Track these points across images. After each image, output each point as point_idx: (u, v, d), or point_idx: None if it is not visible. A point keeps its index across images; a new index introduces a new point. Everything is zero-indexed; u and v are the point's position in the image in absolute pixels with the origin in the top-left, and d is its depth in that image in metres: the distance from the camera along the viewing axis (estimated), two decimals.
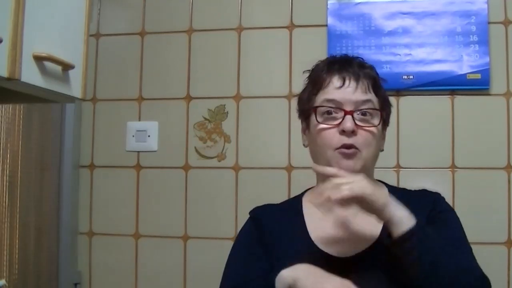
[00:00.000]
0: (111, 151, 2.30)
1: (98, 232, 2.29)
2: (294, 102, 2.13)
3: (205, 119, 2.23)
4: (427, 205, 1.39)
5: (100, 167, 2.31)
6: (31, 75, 1.18)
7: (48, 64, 1.24)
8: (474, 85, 2.04)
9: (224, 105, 2.22)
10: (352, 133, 1.32)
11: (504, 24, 2.05)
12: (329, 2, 2.16)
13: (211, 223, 2.20)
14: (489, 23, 2.05)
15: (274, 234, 1.41)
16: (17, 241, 1.87)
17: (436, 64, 2.07)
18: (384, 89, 1.44)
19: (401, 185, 1.89)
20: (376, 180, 1.49)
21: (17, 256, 1.87)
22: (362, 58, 1.47)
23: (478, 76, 2.03)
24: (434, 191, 1.46)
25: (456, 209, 1.47)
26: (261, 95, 2.20)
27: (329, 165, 1.34)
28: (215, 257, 2.17)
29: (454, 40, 2.07)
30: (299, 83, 2.16)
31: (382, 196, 1.22)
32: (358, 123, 1.34)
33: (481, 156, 2.03)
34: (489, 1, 2.06)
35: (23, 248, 1.91)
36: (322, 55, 2.13)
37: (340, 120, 1.34)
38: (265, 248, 1.40)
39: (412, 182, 1.74)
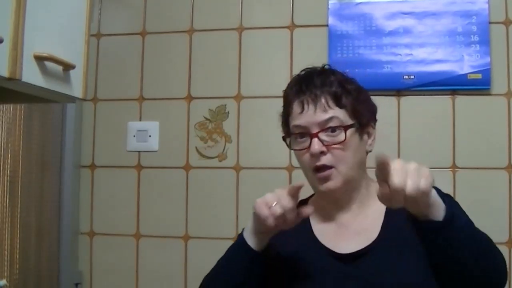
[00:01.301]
0: (112, 151, 2.30)
1: (99, 232, 2.29)
2: None
3: (206, 119, 2.23)
4: None
5: (101, 167, 2.31)
6: (32, 75, 1.18)
7: (49, 64, 1.24)
8: (475, 85, 2.04)
9: (225, 105, 2.22)
10: (322, 153, 1.36)
11: (505, 24, 2.05)
12: (330, 2, 2.16)
13: (212, 223, 2.20)
14: (490, 23, 2.05)
15: (280, 243, 1.41)
16: (18, 241, 1.87)
17: (437, 64, 2.07)
18: (355, 93, 1.42)
19: None
20: (371, 179, 1.46)
21: (18, 256, 1.87)
22: (327, 68, 1.50)
23: (479, 76, 2.03)
24: (445, 193, 1.40)
25: None
26: (262, 95, 2.20)
27: (314, 185, 1.43)
28: (216, 257, 2.16)
29: (455, 40, 2.07)
30: None
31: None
32: (326, 141, 1.36)
33: (482, 156, 2.03)
34: (490, 1, 2.05)
35: (24, 248, 1.91)
36: (323, 55, 2.14)
37: (309, 143, 1.37)
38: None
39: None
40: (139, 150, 2.28)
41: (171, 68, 2.28)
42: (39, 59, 1.20)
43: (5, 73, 1.09)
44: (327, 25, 2.16)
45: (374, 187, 1.42)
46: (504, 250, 1.98)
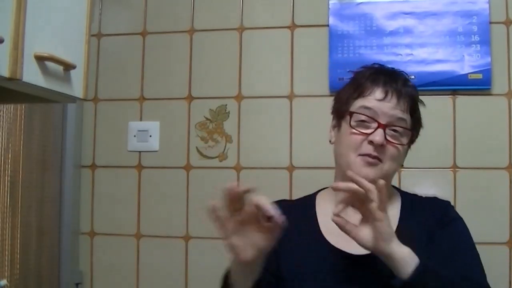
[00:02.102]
0: (112, 151, 2.30)
1: (100, 232, 2.29)
2: (296, 102, 2.16)
3: (207, 119, 2.23)
4: (437, 212, 1.42)
5: (102, 167, 2.31)
6: (32, 75, 1.18)
7: (49, 64, 1.24)
8: (476, 85, 2.04)
9: (226, 105, 2.22)
10: (380, 146, 1.35)
11: (505, 24, 2.05)
12: (330, 2, 2.16)
13: (212, 223, 2.19)
14: (490, 23, 2.05)
15: (285, 236, 1.34)
16: (18, 241, 1.87)
17: (437, 64, 2.07)
18: (419, 111, 1.48)
19: (403, 185, 1.89)
20: (391, 186, 1.50)
21: (18, 256, 1.87)
22: (406, 75, 1.50)
23: (480, 76, 2.03)
24: (444, 199, 1.49)
25: (457, 209, 1.49)
26: (263, 95, 2.20)
27: (349, 168, 1.36)
28: (216, 257, 2.17)
29: (455, 40, 2.07)
30: (301, 83, 2.17)
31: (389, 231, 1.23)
32: (388, 138, 1.36)
33: (483, 156, 2.03)
34: (490, 1, 2.05)
35: (25, 248, 1.91)
36: (324, 55, 2.14)
37: (372, 130, 1.36)
38: (275, 250, 1.35)
39: (414, 182, 1.75)
40: (140, 150, 2.28)
41: (171, 68, 2.28)
42: (40, 59, 1.20)
43: (6, 73, 1.09)
44: (327, 25, 2.16)
45: (391, 192, 1.48)
46: (504, 250, 1.98)
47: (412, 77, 2.07)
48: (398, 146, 1.37)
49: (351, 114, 1.40)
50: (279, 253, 1.38)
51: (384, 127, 1.35)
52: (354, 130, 1.38)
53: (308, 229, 1.44)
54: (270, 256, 1.33)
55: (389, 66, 1.51)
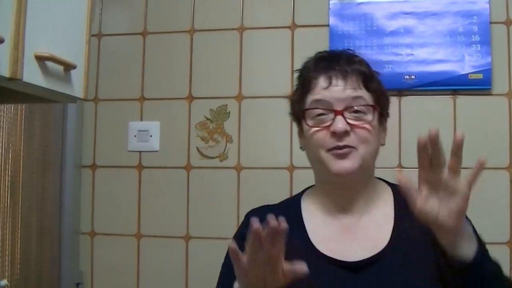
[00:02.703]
0: (113, 151, 2.30)
1: (100, 232, 2.29)
2: None
3: (207, 119, 2.23)
4: None
5: (102, 167, 2.31)
6: (33, 75, 1.18)
7: (50, 64, 1.24)
8: (476, 85, 2.04)
9: (226, 105, 2.22)
10: (345, 133, 1.24)
11: (506, 24, 2.05)
12: (331, 2, 2.16)
13: (213, 223, 2.20)
14: (491, 23, 2.05)
15: None
16: (19, 241, 1.87)
17: (438, 64, 2.07)
18: (378, 81, 1.35)
19: None
20: (376, 178, 1.41)
21: (19, 256, 1.87)
22: (352, 51, 1.39)
23: (480, 76, 2.03)
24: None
25: None
26: (263, 95, 2.20)
27: (323, 167, 1.29)
28: (217, 257, 2.16)
29: (456, 40, 2.07)
30: None
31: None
32: (350, 122, 1.25)
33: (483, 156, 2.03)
34: (491, 1, 2.05)
35: (25, 248, 1.91)
36: None
37: (331, 121, 1.25)
38: None
39: (414, 182, 1.73)
40: (140, 150, 2.28)
41: (172, 68, 2.28)
42: (40, 59, 1.20)
43: (6, 73, 1.09)
44: (328, 25, 2.16)
45: (380, 184, 1.39)
46: (504, 250, 1.98)
47: (413, 77, 2.08)
48: (365, 126, 1.26)
49: (304, 112, 1.31)
50: None
51: (341, 112, 1.24)
52: (314, 128, 1.29)
53: (297, 239, 1.28)
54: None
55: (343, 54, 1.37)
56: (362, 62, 1.34)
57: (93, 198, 2.30)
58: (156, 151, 2.27)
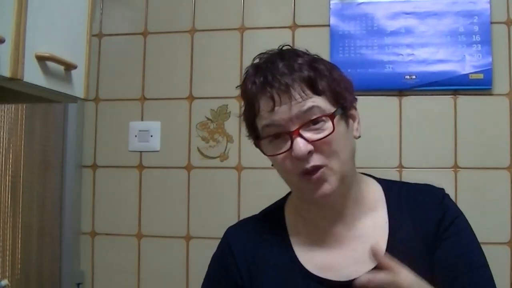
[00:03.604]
0: (113, 151, 2.30)
1: (101, 232, 2.29)
2: None
3: (208, 119, 2.23)
4: (434, 213, 1.20)
5: (103, 167, 2.31)
6: (33, 75, 1.18)
7: (50, 64, 1.24)
8: (477, 85, 2.04)
9: (227, 105, 2.22)
10: (309, 154, 1.10)
11: (506, 24, 2.05)
12: (331, 2, 2.16)
13: (213, 223, 2.19)
14: (491, 23, 2.05)
15: (249, 260, 1.26)
16: (19, 241, 1.87)
17: (438, 64, 2.07)
18: (327, 73, 1.17)
19: None
20: (362, 173, 1.30)
21: (19, 256, 1.87)
22: (289, 49, 1.23)
23: (481, 76, 2.03)
24: (439, 187, 1.28)
25: None
26: None
27: (301, 192, 1.20)
28: None
29: (456, 40, 2.07)
30: None
31: None
32: (311, 138, 1.11)
33: (484, 156, 2.03)
34: (491, 1, 2.05)
35: (26, 248, 1.91)
36: (325, 55, 2.12)
37: (290, 145, 1.11)
38: (240, 278, 1.26)
39: (415, 182, 1.73)
40: (141, 150, 2.28)
41: (172, 68, 2.28)
42: (41, 59, 1.20)
43: (7, 73, 1.08)
44: (328, 25, 2.16)
45: (366, 182, 1.28)
46: (505, 250, 1.98)
47: (413, 77, 2.08)
48: (328, 138, 1.10)
49: (259, 142, 1.21)
50: (250, 285, 1.24)
51: (297, 133, 1.10)
52: (275, 157, 1.17)
53: (284, 260, 1.22)
54: None
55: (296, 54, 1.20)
56: (303, 65, 1.15)
57: (93, 198, 2.30)
58: (157, 151, 2.27)
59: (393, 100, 2.10)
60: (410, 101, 2.10)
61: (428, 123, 2.08)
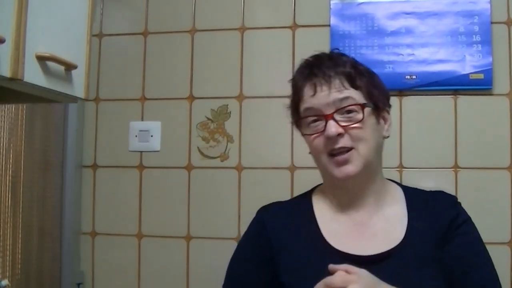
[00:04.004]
0: (114, 151, 2.30)
1: (101, 232, 2.29)
2: None
3: (208, 119, 2.23)
4: (447, 210, 1.36)
5: (103, 167, 2.31)
6: (34, 75, 1.18)
7: (51, 64, 1.24)
8: (477, 85, 2.04)
9: (227, 105, 2.22)
10: (339, 136, 1.29)
11: (507, 24, 2.05)
12: (332, 2, 2.16)
13: (214, 223, 2.20)
14: (492, 23, 2.05)
15: (280, 236, 1.39)
16: (19, 241, 1.87)
17: (439, 64, 2.07)
18: (367, 76, 1.38)
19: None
20: (388, 179, 1.46)
21: (19, 256, 1.87)
22: (338, 52, 1.44)
23: (481, 76, 2.03)
24: (451, 194, 1.43)
25: None
26: (264, 95, 2.20)
27: (327, 172, 1.34)
28: (218, 258, 2.16)
29: (457, 40, 2.07)
30: None
31: None
32: (342, 123, 1.30)
33: (484, 156, 2.03)
34: (492, 1, 2.05)
35: (26, 248, 1.91)
36: None
37: (324, 127, 1.30)
38: (270, 253, 1.38)
39: (415, 182, 1.74)
40: (141, 150, 2.28)
41: (173, 68, 2.28)
42: (41, 59, 1.20)
43: (7, 73, 1.09)
44: (329, 25, 2.16)
45: (389, 182, 1.45)
46: (505, 250, 1.98)
47: (414, 77, 2.08)
48: (357, 125, 1.29)
49: (298, 122, 1.39)
50: (279, 262, 1.36)
51: (331, 116, 1.29)
52: (310, 136, 1.35)
53: (309, 234, 1.37)
54: (264, 268, 1.36)
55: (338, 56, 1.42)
56: (347, 63, 1.36)
57: (94, 198, 2.30)
58: (157, 151, 2.27)
59: (393, 100, 2.09)
60: (410, 101, 2.10)
61: (428, 123, 2.08)
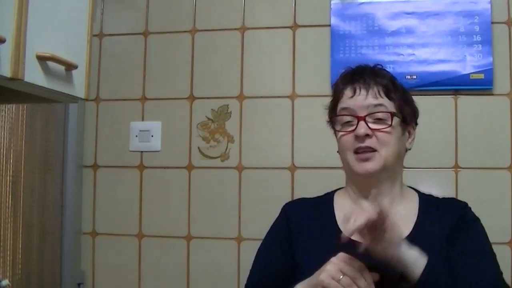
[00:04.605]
0: (114, 151, 2.30)
1: (102, 232, 2.29)
2: (298, 102, 2.16)
3: (209, 119, 2.23)
4: (455, 214, 1.46)
5: (104, 167, 2.31)
6: (34, 75, 1.18)
7: (51, 64, 1.24)
8: (478, 85, 2.04)
9: (228, 105, 2.22)
10: (367, 136, 1.41)
11: (507, 24, 2.05)
12: (332, 2, 2.16)
13: (214, 223, 2.20)
14: (492, 23, 2.05)
15: (300, 225, 1.51)
16: (20, 241, 1.87)
17: (439, 64, 2.07)
18: (402, 92, 1.51)
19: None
20: (408, 186, 1.57)
21: (20, 256, 1.87)
22: (379, 66, 1.56)
23: (482, 76, 2.03)
24: (462, 201, 1.54)
25: None
26: (265, 95, 2.20)
27: (350, 167, 1.46)
28: (218, 257, 2.17)
29: (457, 40, 2.07)
30: (303, 83, 2.17)
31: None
32: (372, 126, 1.42)
33: (485, 156, 2.03)
34: (492, 1, 2.05)
35: (27, 248, 1.91)
36: (326, 55, 2.14)
37: (355, 126, 1.42)
38: (290, 243, 1.50)
39: (416, 182, 1.74)
40: (142, 150, 2.28)
41: (173, 68, 2.28)
42: (42, 59, 1.20)
43: (8, 73, 1.09)
44: (329, 25, 2.16)
45: (408, 192, 1.55)
46: (506, 250, 1.98)
47: (414, 77, 2.08)
48: (386, 130, 1.42)
49: (334, 119, 1.52)
50: (297, 247, 1.48)
51: (363, 118, 1.42)
52: (341, 132, 1.47)
53: (325, 222, 1.50)
54: (286, 253, 1.47)
55: (385, 65, 1.61)
56: (386, 76, 1.51)
57: (94, 198, 2.30)
58: (158, 151, 2.27)
59: None
60: None
61: (428, 123, 2.08)
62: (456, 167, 2.04)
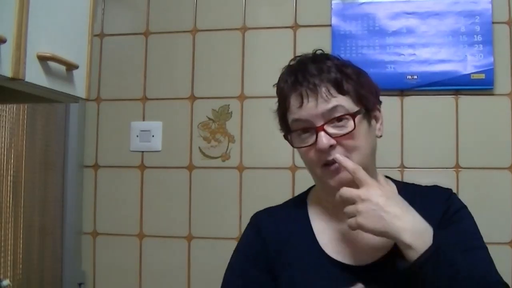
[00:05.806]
0: (115, 151, 2.30)
1: (102, 232, 2.29)
2: None
3: (209, 119, 2.23)
4: (441, 203, 1.33)
5: (104, 167, 2.31)
6: (35, 75, 1.18)
7: (52, 64, 1.24)
8: (478, 85, 2.04)
9: (228, 105, 2.22)
10: (331, 147, 1.22)
11: (508, 24, 2.05)
12: (333, 2, 2.16)
13: (215, 223, 2.20)
14: (493, 23, 2.05)
15: (277, 244, 1.35)
16: (21, 241, 1.87)
17: (440, 64, 2.07)
18: (354, 77, 1.30)
19: None
20: (385, 176, 1.42)
21: (21, 256, 1.87)
22: (320, 54, 1.36)
23: (482, 76, 2.03)
24: (446, 187, 1.40)
25: None
26: (265, 95, 2.19)
27: (322, 182, 1.29)
28: (219, 257, 2.16)
29: (458, 40, 2.07)
30: None
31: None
32: (334, 132, 1.23)
33: (485, 156, 2.03)
34: (493, 1, 2.05)
35: (27, 248, 1.91)
36: None
37: (315, 139, 1.23)
38: (266, 261, 1.34)
39: (416, 182, 1.74)
40: (142, 150, 2.28)
41: (174, 68, 2.28)
42: (42, 59, 1.20)
43: (9, 73, 1.09)
44: (330, 25, 2.16)
45: (384, 184, 1.35)
46: (506, 250, 1.98)
47: (415, 77, 2.08)
48: (350, 134, 1.22)
49: (288, 135, 1.32)
50: (277, 270, 1.32)
51: (321, 128, 1.22)
52: (302, 149, 1.28)
53: (305, 242, 1.33)
54: (262, 271, 1.33)
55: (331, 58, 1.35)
56: (331, 68, 1.28)
57: (95, 198, 2.31)
58: (158, 151, 2.27)
59: (395, 100, 2.10)
60: (412, 101, 2.10)
61: (429, 123, 2.08)
62: (457, 167, 2.04)
